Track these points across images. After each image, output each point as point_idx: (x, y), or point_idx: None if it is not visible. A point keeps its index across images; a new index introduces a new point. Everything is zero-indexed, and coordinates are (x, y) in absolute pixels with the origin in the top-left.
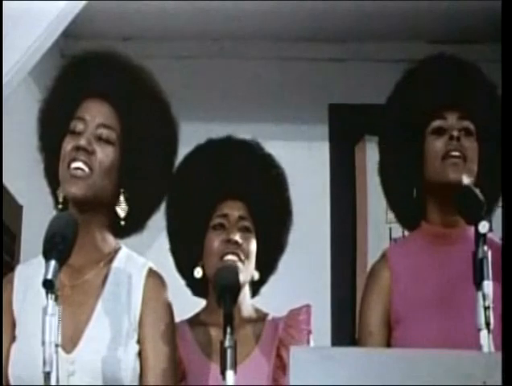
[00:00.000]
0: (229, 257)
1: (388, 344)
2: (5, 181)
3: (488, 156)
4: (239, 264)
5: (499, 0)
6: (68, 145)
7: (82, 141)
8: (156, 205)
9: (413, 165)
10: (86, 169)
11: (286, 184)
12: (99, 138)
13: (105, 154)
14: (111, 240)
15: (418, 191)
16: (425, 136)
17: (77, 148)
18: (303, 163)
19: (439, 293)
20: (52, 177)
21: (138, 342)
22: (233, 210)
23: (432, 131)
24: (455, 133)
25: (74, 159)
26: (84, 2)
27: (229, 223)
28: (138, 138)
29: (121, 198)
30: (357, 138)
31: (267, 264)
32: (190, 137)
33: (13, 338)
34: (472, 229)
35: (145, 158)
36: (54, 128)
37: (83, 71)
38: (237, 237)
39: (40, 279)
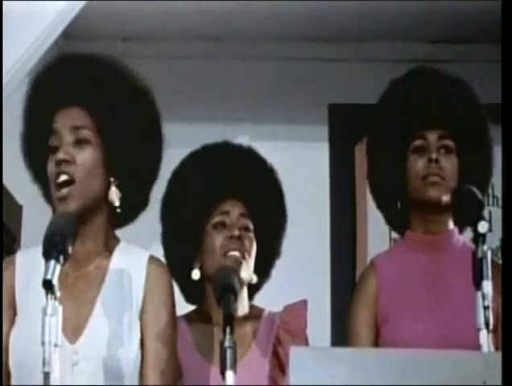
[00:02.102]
0: (233, 253)
1: (375, 344)
2: (5, 181)
3: (467, 169)
4: (242, 259)
5: (499, 0)
6: (52, 161)
7: (60, 155)
8: (148, 187)
9: (396, 180)
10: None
11: (282, 190)
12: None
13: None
14: (112, 234)
15: (402, 203)
16: (408, 153)
17: (58, 162)
18: (303, 163)
19: (424, 295)
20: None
21: (141, 330)
22: (234, 207)
23: (414, 150)
24: (433, 156)
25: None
26: (84, 2)
27: (230, 220)
28: (117, 129)
29: (113, 187)
30: (357, 138)
31: (263, 269)
32: (189, 136)
33: (12, 323)
34: (454, 235)
35: (129, 144)
36: None
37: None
38: (240, 233)
39: (42, 267)
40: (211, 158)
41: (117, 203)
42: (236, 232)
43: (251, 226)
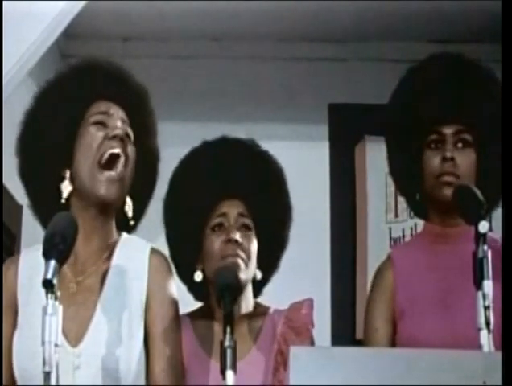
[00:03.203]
0: (230, 260)
1: (393, 340)
2: (5, 181)
3: (486, 163)
4: (240, 263)
5: (499, 0)
6: (97, 133)
7: (118, 131)
8: (149, 199)
9: (414, 173)
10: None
11: (284, 179)
12: (127, 134)
13: (133, 153)
14: (115, 233)
15: (420, 196)
16: (424, 148)
17: (114, 136)
18: (303, 163)
19: (440, 290)
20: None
21: (145, 328)
22: (232, 208)
23: (429, 145)
24: (448, 154)
25: (111, 147)
26: (84, 2)
27: (229, 221)
28: (145, 138)
29: (128, 198)
30: (357, 138)
31: (269, 262)
32: (189, 136)
33: (14, 325)
34: (472, 229)
35: (145, 158)
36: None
37: (91, 76)
38: (238, 236)
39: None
40: (209, 156)
41: (130, 215)
42: (233, 236)
43: (251, 224)
